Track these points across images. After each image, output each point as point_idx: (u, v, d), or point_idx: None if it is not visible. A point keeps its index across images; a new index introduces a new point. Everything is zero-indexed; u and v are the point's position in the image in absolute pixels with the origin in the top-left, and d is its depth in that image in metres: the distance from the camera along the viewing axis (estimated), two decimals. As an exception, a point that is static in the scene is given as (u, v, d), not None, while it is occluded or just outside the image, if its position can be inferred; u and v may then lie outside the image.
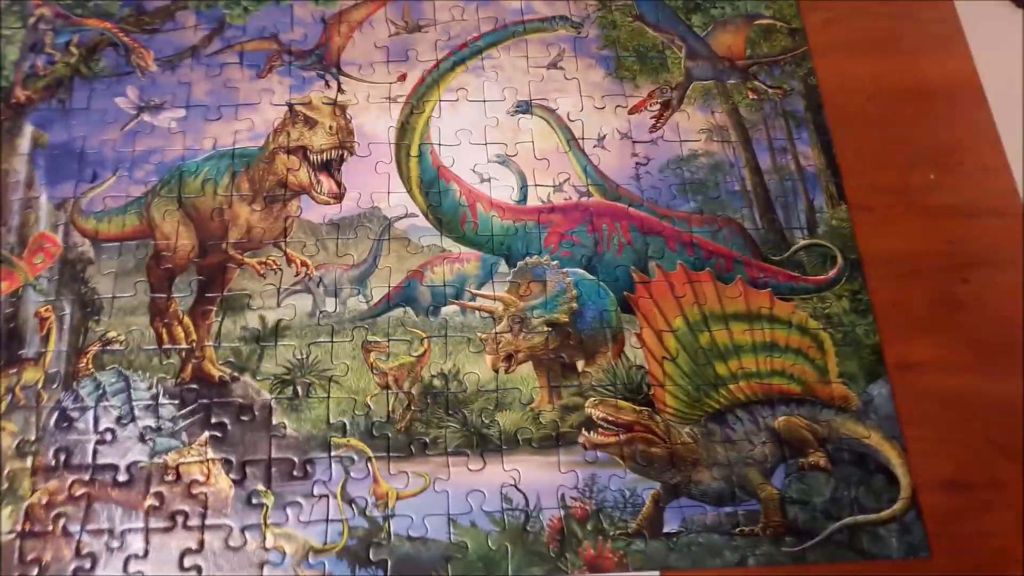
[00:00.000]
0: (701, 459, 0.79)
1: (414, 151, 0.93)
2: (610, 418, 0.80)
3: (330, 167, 0.92)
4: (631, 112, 0.96)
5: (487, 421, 0.80)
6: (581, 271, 0.87)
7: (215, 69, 0.97)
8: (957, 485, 0.78)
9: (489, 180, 0.92)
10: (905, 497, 0.77)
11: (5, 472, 0.78)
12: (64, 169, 0.91)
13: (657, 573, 0.75)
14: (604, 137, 0.94)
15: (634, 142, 0.94)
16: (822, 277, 0.88)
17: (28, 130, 0.93)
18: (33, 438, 0.79)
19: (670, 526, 0.76)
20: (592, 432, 0.80)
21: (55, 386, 0.82)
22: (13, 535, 0.76)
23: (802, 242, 0.89)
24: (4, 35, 0.99)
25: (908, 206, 0.91)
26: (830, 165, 0.93)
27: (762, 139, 0.95)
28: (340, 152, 0.93)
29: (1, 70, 0.97)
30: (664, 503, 0.77)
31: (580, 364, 0.84)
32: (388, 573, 0.75)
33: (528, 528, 0.76)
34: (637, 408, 0.81)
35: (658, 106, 0.96)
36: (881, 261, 0.88)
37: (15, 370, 0.82)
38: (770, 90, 0.97)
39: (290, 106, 0.95)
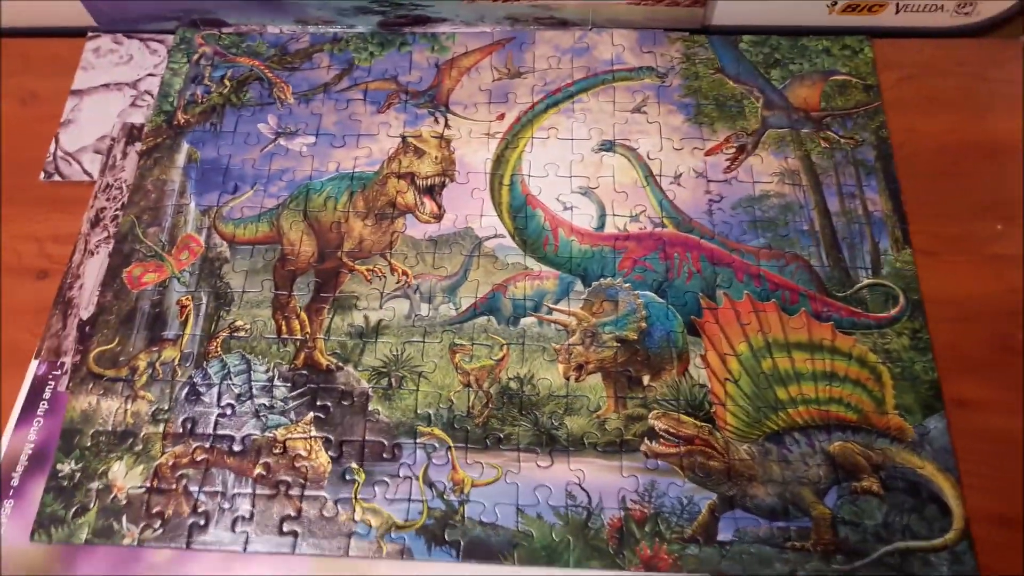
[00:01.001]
0: (757, 475, 0.78)
1: (506, 180, 0.97)
2: (672, 430, 0.81)
3: (433, 191, 0.98)
4: (707, 154, 0.98)
5: (556, 423, 0.82)
6: (651, 294, 0.89)
7: (342, 103, 1.05)
8: (1010, 521, 0.75)
9: (571, 208, 0.95)
10: (958, 528, 0.75)
11: (142, 434, 0.85)
12: (211, 181, 1.00)
13: (708, 577, 0.74)
14: (680, 175, 0.96)
15: (709, 181, 0.96)
16: (884, 315, 0.86)
17: (184, 147, 1.03)
18: (166, 407, 0.86)
19: (724, 535, 0.76)
20: (654, 442, 0.80)
21: (188, 364, 0.89)
22: (143, 489, 0.82)
23: (866, 281, 0.88)
24: (172, 68, 1.09)
25: (972, 254, 0.89)
26: (897, 211, 0.92)
27: (832, 184, 0.95)
28: (443, 179, 0.98)
29: (168, 97, 1.07)
30: (719, 513, 0.77)
31: (646, 379, 0.85)
32: (460, 552, 0.77)
33: (589, 524, 0.77)
34: (698, 423, 0.81)
35: (733, 150, 0.97)
36: (942, 303, 0.86)
37: (157, 348, 0.90)
38: (842, 140, 0.97)
39: (403, 138, 1.01)
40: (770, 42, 1.05)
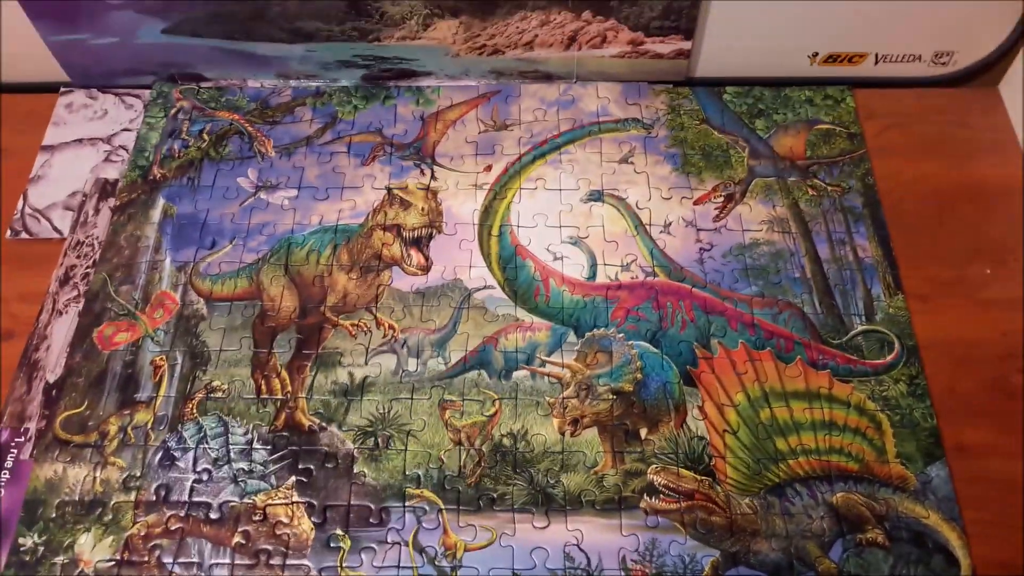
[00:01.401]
0: (760, 530, 0.78)
1: (495, 231, 0.99)
2: (671, 485, 0.81)
3: (420, 243, 0.99)
4: (696, 203, 1.00)
5: (552, 481, 0.82)
6: (646, 344, 0.90)
7: (326, 156, 1.07)
8: (1016, 568, 0.75)
9: (562, 259, 0.97)
10: (966, 579, 0.75)
11: (112, 503, 0.83)
12: (188, 237, 1.00)
13: (715, 640, 0.74)
14: (670, 224, 0.99)
15: (698, 230, 0.98)
16: (880, 361, 0.88)
17: (160, 202, 1.04)
18: (138, 474, 0.84)
19: (729, 594, 0.76)
20: (654, 498, 0.80)
21: (162, 428, 0.87)
22: (112, 563, 0.80)
23: (860, 328, 0.90)
24: (148, 122, 1.11)
25: (964, 297, 0.92)
26: (887, 257, 0.95)
27: (821, 231, 0.98)
28: (430, 231, 1.00)
29: (143, 151, 1.08)
30: (723, 571, 0.77)
31: (643, 432, 0.85)
32: (453, 622, 0.76)
33: (589, 587, 0.77)
34: (698, 477, 0.81)
35: (722, 198, 1.00)
36: (938, 348, 0.89)
37: (128, 411, 0.88)
38: (829, 187, 1.01)
39: (388, 190, 1.03)
40: (753, 93, 1.10)
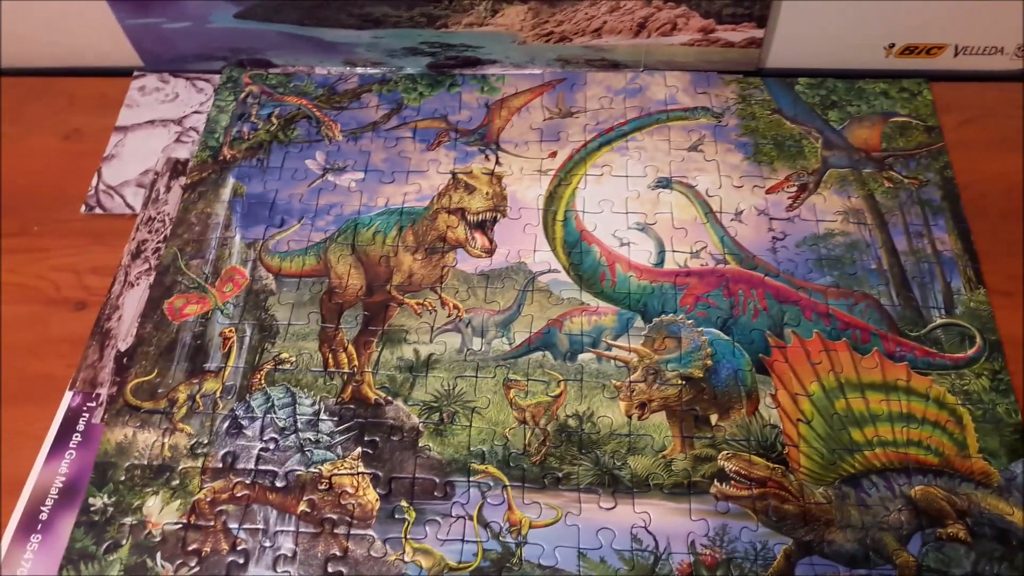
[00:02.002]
0: (834, 520, 0.79)
1: (560, 216, 1.02)
2: (743, 472, 0.82)
3: (484, 226, 1.02)
4: (768, 192, 1.02)
5: (619, 463, 0.84)
6: (716, 331, 0.91)
7: (392, 141, 1.11)
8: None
9: (628, 244, 0.99)
10: (1055, 578, 0.74)
11: (179, 468, 0.86)
12: (257, 215, 1.05)
13: (787, 627, 0.74)
14: (741, 212, 1.00)
15: (771, 219, 0.99)
16: (961, 355, 0.88)
17: (230, 182, 1.08)
18: (206, 441, 0.88)
19: (802, 582, 0.76)
20: (725, 484, 0.81)
21: (230, 397, 0.91)
22: (179, 526, 0.83)
23: (940, 320, 0.90)
24: (219, 106, 1.16)
25: (1050, 294, 0.92)
26: (967, 251, 0.95)
27: (898, 223, 0.98)
28: (494, 215, 1.02)
29: (213, 133, 1.13)
30: (795, 559, 0.77)
31: (714, 418, 0.86)
32: (518, 597, 0.77)
33: (657, 570, 0.77)
34: (771, 465, 0.82)
35: (795, 188, 1.02)
36: (1022, 344, 0.88)
37: (197, 380, 0.92)
38: (906, 180, 1.01)
39: (453, 174, 1.06)
40: (826, 84, 1.11)
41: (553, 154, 1.08)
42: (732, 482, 0.81)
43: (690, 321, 0.92)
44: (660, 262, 0.97)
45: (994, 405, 0.85)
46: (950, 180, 1.01)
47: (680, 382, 0.88)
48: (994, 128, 1.06)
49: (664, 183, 1.03)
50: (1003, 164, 1.02)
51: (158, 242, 1.04)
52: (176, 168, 1.11)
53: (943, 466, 0.81)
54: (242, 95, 1.17)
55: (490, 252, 1.00)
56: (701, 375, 0.88)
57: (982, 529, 0.78)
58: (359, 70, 1.19)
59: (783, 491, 0.80)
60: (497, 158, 1.08)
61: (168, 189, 1.09)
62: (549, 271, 0.98)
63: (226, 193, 1.07)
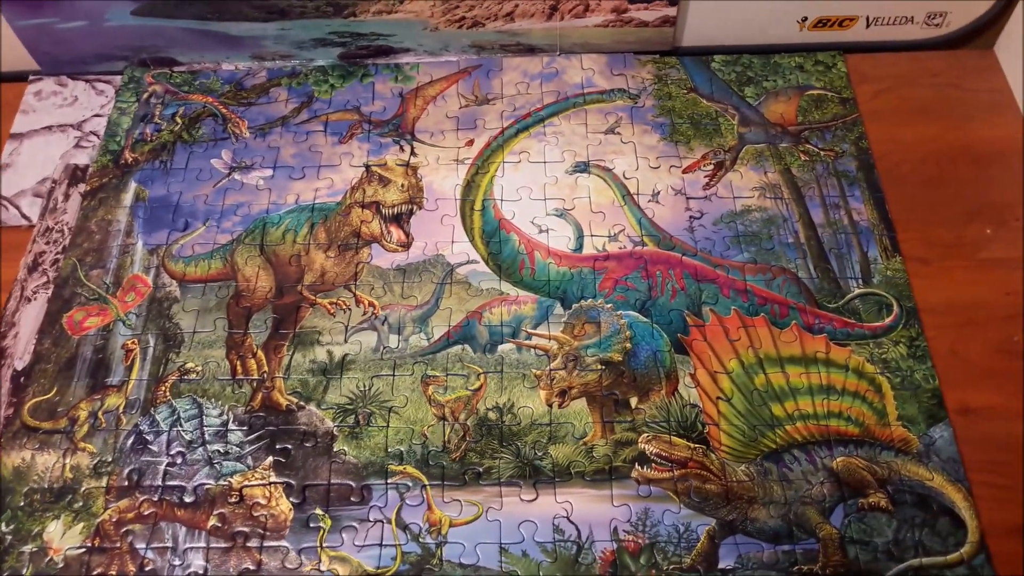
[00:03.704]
0: (757, 497, 0.79)
1: (477, 205, 1.01)
2: (664, 454, 0.82)
3: (400, 219, 1.00)
4: (685, 172, 1.02)
5: (540, 453, 0.83)
6: (635, 314, 0.91)
7: (302, 136, 1.09)
8: (1028, 531, 0.76)
9: (547, 231, 0.98)
10: (973, 541, 0.75)
11: (81, 490, 0.84)
12: (160, 219, 1.02)
13: (712, 609, 0.74)
14: (658, 193, 1.00)
15: (688, 198, 1.00)
16: (878, 324, 0.89)
17: (132, 186, 1.05)
18: (110, 459, 0.85)
19: (725, 562, 0.76)
20: (645, 467, 0.81)
21: (134, 411, 0.88)
22: (83, 550, 0.80)
23: (857, 290, 0.92)
24: (120, 107, 1.13)
25: (964, 259, 0.93)
26: (883, 220, 0.97)
27: (815, 196, 0.99)
28: (410, 207, 1.01)
29: (115, 136, 1.10)
30: (719, 539, 0.77)
31: (634, 401, 0.86)
32: (438, 599, 0.76)
33: (580, 559, 0.77)
34: (691, 445, 0.82)
35: (711, 166, 1.02)
36: (938, 310, 0.90)
37: (99, 396, 0.89)
38: (822, 152, 1.03)
39: (367, 167, 1.05)
40: (742, 60, 1.12)
41: (470, 143, 1.07)
42: (653, 465, 0.81)
43: (609, 305, 0.91)
44: (579, 247, 0.97)
45: (912, 372, 0.86)
46: (865, 151, 1.03)
47: (600, 367, 0.87)
48: (908, 97, 1.08)
49: (582, 167, 1.03)
50: (918, 132, 1.04)
51: (56, 253, 1.01)
52: (75, 175, 1.08)
53: (864, 436, 0.82)
54: (145, 95, 1.14)
55: (406, 246, 0.99)
56: (620, 359, 0.88)
57: (903, 496, 0.79)
58: (268, 64, 1.17)
59: (704, 471, 0.80)
60: (412, 148, 1.07)
61: (67, 197, 1.06)
62: (468, 262, 0.97)
63: (127, 198, 1.04)
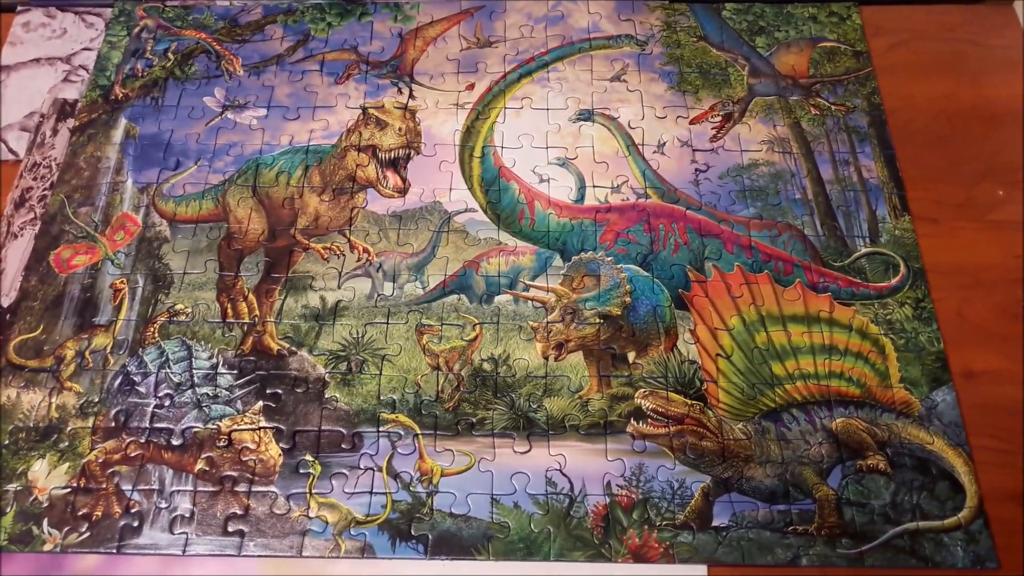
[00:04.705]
0: (754, 455, 0.77)
1: (477, 152, 0.97)
2: (660, 410, 0.79)
3: (396, 164, 0.97)
4: (692, 123, 0.98)
5: (534, 406, 0.81)
6: (636, 268, 0.88)
7: (297, 75, 1.04)
8: (1028, 495, 0.75)
9: (548, 181, 0.95)
10: (971, 506, 0.74)
11: (67, 430, 0.81)
12: (151, 157, 0.98)
13: (704, 566, 0.72)
14: (664, 144, 0.96)
15: (694, 150, 0.96)
16: (884, 284, 0.87)
17: (122, 123, 1.01)
18: (96, 399, 0.83)
19: (719, 520, 0.74)
20: (641, 422, 0.79)
21: (122, 352, 0.86)
22: (68, 490, 0.78)
23: (864, 249, 0.89)
24: (110, 41, 1.08)
25: (974, 220, 0.90)
26: (893, 178, 0.93)
27: (824, 151, 0.95)
28: (407, 151, 0.97)
29: (104, 71, 1.05)
30: (714, 497, 0.76)
31: (631, 356, 0.84)
32: (428, 548, 0.74)
33: (572, 513, 0.75)
34: (689, 402, 0.80)
35: (719, 118, 0.98)
36: (946, 271, 0.87)
37: (87, 335, 0.87)
38: (833, 106, 0.99)
39: (364, 109, 1.01)
40: (754, 9, 1.07)
41: (471, 86, 1.02)
42: (649, 420, 0.79)
43: (609, 258, 0.88)
44: (580, 198, 0.94)
45: (916, 334, 0.83)
46: (877, 106, 0.99)
47: (598, 321, 0.85)
48: (923, 51, 1.04)
49: (586, 115, 0.99)
50: (931, 89, 1.00)
51: (44, 189, 0.97)
52: (64, 109, 1.04)
53: (865, 397, 0.80)
54: (136, 30, 1.09)
55: (403, 192, 0.95)
56: (619, 313, 0.85)
57: (902, 459, 0.77)
58: (263, 0, 1.11)
59: (701, 428, 0.78)
60: (411, 91, 1.02)
61: (55, 132, 1.02)
62: (465, 210, 0.94)
63: (118, 135, 1.00)
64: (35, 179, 0.98)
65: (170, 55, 1.07)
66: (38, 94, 1.05)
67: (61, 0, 1.13)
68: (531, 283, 0.88)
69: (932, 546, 0.73)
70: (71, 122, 1.02)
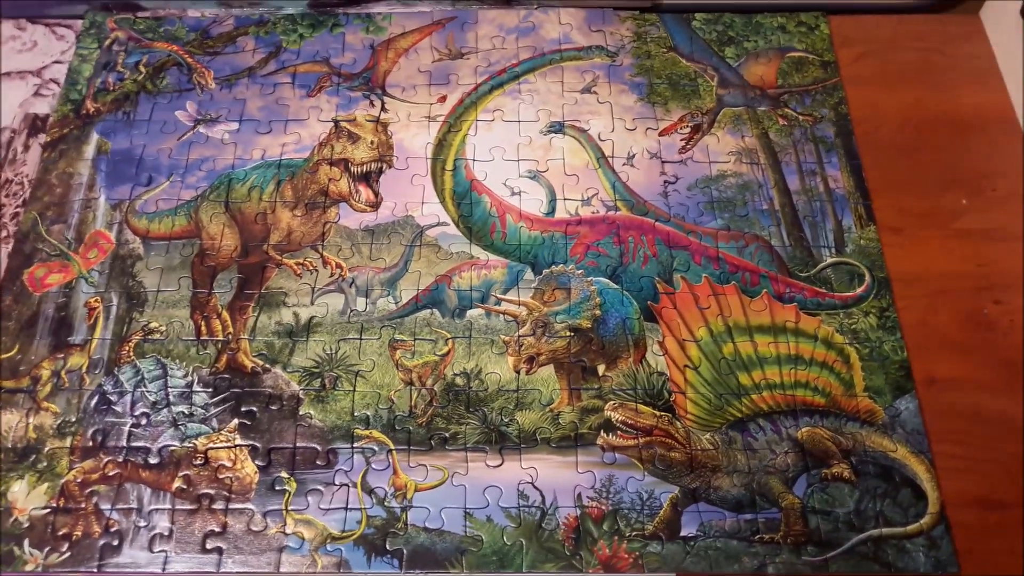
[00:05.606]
0: (721, 465, 0.79)
1: (449, 165, 0.98)
2: (629, 421, 0.81)
3: (369, 178, 0.98)
4: (661, 134, 1.00)
5: (506, 419, 0.83)
6: (605, 280, 0.90)
7: (269, 88, 1.05)
8: (987, 503, 0.77)
9: (519, 193, 0.96)
10: (933, 512, 0.76)
11: (45, 450, 0.82)
12: (123, 173, 0.99)
13: (673, 575, 0.75)
14: (633, 156, 0.98)
15: (663, 162, 0.98)
16: (849, 294, 0.89)
17: (94, 138, 1.01)
18: (73, 419, 0.84)
19: (688, 530, 0.77)
20: (611, 434, 0.81)
21: (98, 371, 0.87)
22: (47, 510, 0.79)
23: (830, 260, 0.91)
24: (81, 54, 1.08)
25: (938, 229, 0.93)
26: (859, 188, 0.95)
27: (791, 162, 0.97)
28: (379, 165, 0.98)
29: (76, 85, 1.06)
30: (682, 507, 0.78)
31: (601, 368, 0.85)
32: (403, 562, 0.76)
33: (543, 525, 0.77)
34: (657, 413, 0.82)
35: (688, 129, 1.00)
36: (910, 281, 0.89)
37: (62, 355, 0.88)
38: (800, 117, 1.00)
39: (336, 122, 1.01)
40: (724, 20, 1.09)
41: (442, 99, 1.04)
42: (618, 432, 0.81)
43: (580, 271, 0.90)
44: (551, 211, 0.95)
45: (881, 343, 0.86)
46: (844, 116, 1.01)
47: (568, 334, 0.86)
48: (890, 61, 1.05)
49: (557, 128, 1.01)
50: (898, 98, 1.02)
51: (16, 207, 0.97)
52: (35, 124, 1.04)
53: (829, 406, 0.82)
54: (107, 42, 1.10)
55: (375, 206, 0.96)
56: (589, 325, 0.87)
57: (866, 467, 0.79)
58: (235, 11, 1.12)
59: (669, 439, 0.80)
60: (383, 104, 1.04)
61: (26, 148, 1.02)
62: (438, 224, 0.95)
63: (90, 150, 1.01)
64: (7, 196, 0.99)
65: (141, 68, 1.07)
66: (8, 109, 1.05)
67: (31, 12, 1.13)
68: (503, 297, 0.90)
69: (895, 552, 0.75)
70: (43, 137, 1.02)
